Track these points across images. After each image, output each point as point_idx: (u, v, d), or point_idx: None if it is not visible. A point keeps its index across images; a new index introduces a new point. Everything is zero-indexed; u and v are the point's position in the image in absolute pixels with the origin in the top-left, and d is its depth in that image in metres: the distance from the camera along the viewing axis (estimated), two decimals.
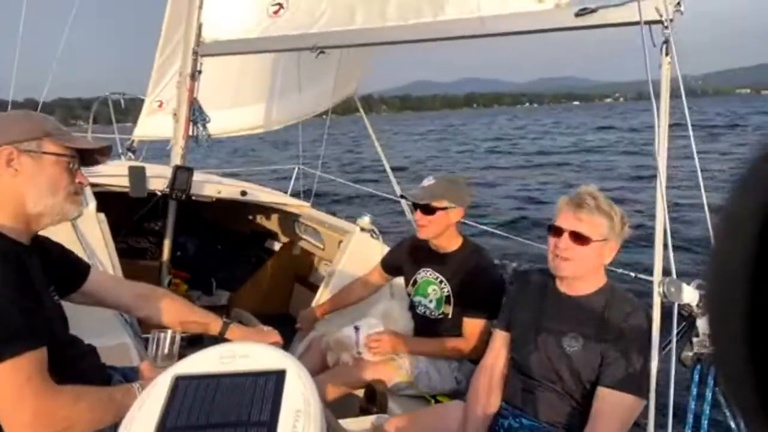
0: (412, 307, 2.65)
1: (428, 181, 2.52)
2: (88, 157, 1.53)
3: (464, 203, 2.49)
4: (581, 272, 1.85)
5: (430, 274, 2.56)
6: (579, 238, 1.79)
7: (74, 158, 1.45)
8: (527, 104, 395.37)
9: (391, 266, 2.81)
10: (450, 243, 2.54)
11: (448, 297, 2.50)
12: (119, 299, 1.79)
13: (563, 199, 1.88)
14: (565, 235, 1.81)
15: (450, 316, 2.50)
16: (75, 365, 1.47)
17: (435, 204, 2.44)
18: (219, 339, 1.84)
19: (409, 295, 2.69)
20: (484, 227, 4.10)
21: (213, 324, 1.84)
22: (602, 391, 1.74)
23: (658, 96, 1.70)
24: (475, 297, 2.43)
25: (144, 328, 2.50)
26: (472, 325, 2.42)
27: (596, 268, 1.86)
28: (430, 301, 2.55)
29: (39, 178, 1.38)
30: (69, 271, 1.66)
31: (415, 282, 2.63)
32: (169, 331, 1.60)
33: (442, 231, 2.50)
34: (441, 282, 2.52)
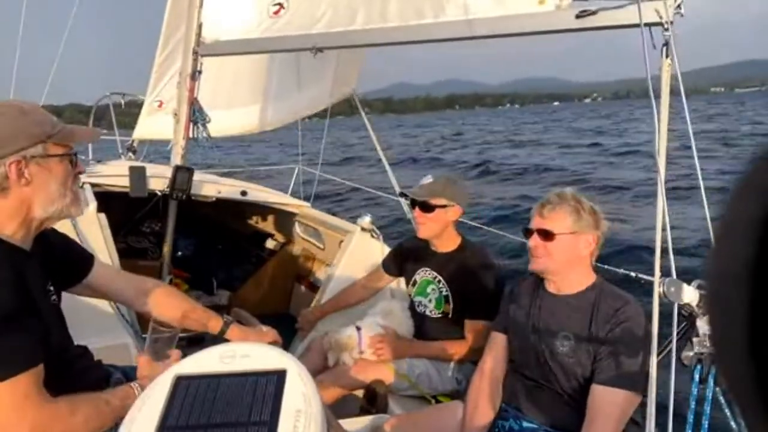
0: (413, 306, 2.66)
1: (427, 179, 2.53)
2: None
3: (462, 202, 2.50)
4: (555, 266, 1.89)
5: (429, 274, 2.57)
6: (545, 235, 1.87)
7: (74, 152, 1.43)
8: (508, 105, 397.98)
9: (391, 267, 2.82)
10: (449, 243, 2.55)
11: (447, 297, 2.51)
12: (122, 293, 1.78)
13: None
14: (534, 235, 1.90)
15: (450, 315, 2.50)
16: (71, 368, 1.46)
17: (433, 201, 2.45)
18: (219, 338, 1.84)
19: (409, 295, 2.69)
20: (486, 227, 4.10)
21: (213, 323, 1.83)
22: (596, 389, 1.74)
23: (657, 96, 1.70)
24: (474, 298, 2.44)
25: (144, 325, 2.51)
26: (474, 327, 2.43)
27: (575, 262, 1.89)
28: (430, 301, 2.56)
29: (49, 184, 1.36)
30: (72, 262, 1.66)
31: (415, 282, 2.64)
32: (167, 321, 1.60)
33: (441, 230, 2.51)
34: (439, 282, 2.53)
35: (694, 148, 1.72)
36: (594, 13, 1.98)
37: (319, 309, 2.98)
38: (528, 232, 1.93)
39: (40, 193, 1.35)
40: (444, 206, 2.46)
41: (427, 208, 2.46)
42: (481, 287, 2.44)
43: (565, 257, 1.87)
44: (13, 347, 1.22)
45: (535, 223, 1.91)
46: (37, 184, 1.34)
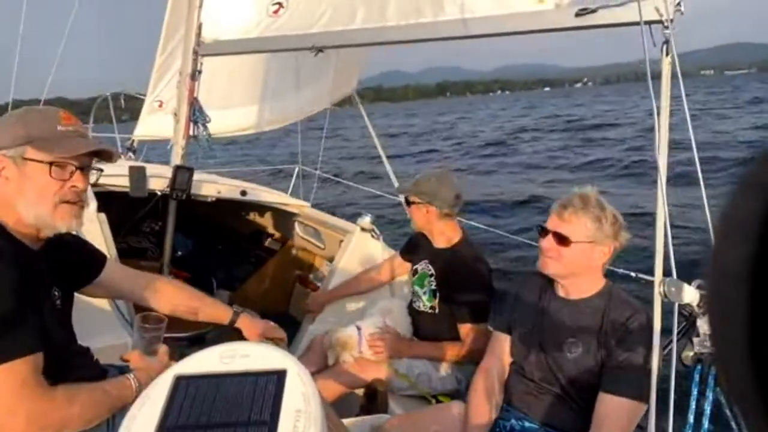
0: (411, 301, 2.69)
1: (417, 175, 2.62)
2: (96, 156, 1.48)
3: (437, 203, 2.50)
4: (565, 272, 1.86)
5: (427, 267, 2.62)
6: (561, 239, 1.81)
7: (63, 165, 1.39)
8: (499, 92, 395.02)
9: (406, 254, 2.87)
10: (442, 239, 2.59)
11: (435, 291, 2.53)
12: (133, 291, 1.80)
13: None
14: (549, 236, 1.83)
15: (437, 311, 2.53)
16: (71, 370, 1.47)
17: (409, 197, 2.56)
18: (226, 333, 1.85)
19: (412, 284, 2.72)
20: (490, 227, 4.10)
21: (223, 313, 1.87)
22: (604, 397, 1.73)
23: (656, 90, 1.69)
24: (459, 297, 2.46)
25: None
26: (467, 330, 2.44)
27: (587, 270, 1.86)
28: (424, 293, 2.61)
29: (25, 187, 1.35)
30: (85, 261, 1.68)
31: (416, 272, 2.69)
32: (153, 315, 1.62)
33: (425, 225, 2.58)
34: (432, 276, 2.57)
35: (693, 144, 1.71)
36: (594, 11, 1.97)
37: (331, 292, 3.00)
38: (543, 231, 1.87)
39: (19, 195, 1.35)
40: (415, 203, 2.54)
41: (406, 202, 2.60)
42: (467, 288, 2.45)
43: (577, 265, 1.83)
44: (12, 333, 1.23)
45: (552, 223, 1.84)
46: (15, 185, 1.35)
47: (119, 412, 1.37)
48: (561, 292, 1.92)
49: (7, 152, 1.35)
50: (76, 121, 1.46)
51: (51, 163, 1.37)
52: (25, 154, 1.35)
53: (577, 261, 1.82)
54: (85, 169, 1.45)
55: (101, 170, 1.55)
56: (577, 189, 1.88)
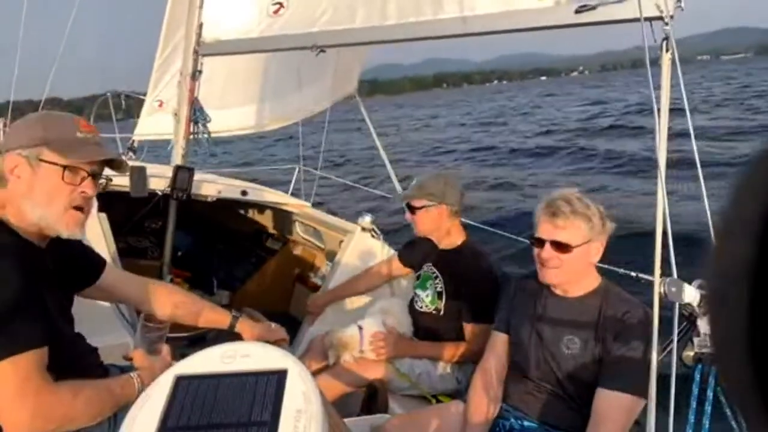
0: (412, 301, 2.68)
1: (416, 180, 2.57)
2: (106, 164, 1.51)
3: (449, 202, 2.49)
4: (569, 278, 1.86)
5: (430, 269, 2.61)
6: (560, 247, 1.80)
7: (76, 170, 1.41)
8: (496, 82, 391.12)
9: (405, 257, 2.86)
10: (449, 240, 2.57)
11: (440, 293, 2.53)
12: (131, 294, 1.82)
13: (539, 207, 1.88)
14: (547, 246, 1.82)
15: (442, 312, 2.52)
16: (76, 365, 1.47)
17: (414, 203, 2.50)
18: (227, 333, 1.85)
19: (414, 287, 2.72)
20: (488, 228, 4.09)
21: (222, 318, 1.87)
22: (602, 392, 1.74)
23: (653, 84, 1.69)
24: (466, 298, 2.45)
25: None
26: (472, 330, 2.44)
27: (586, 269, 1.86)
28: (427, 296, 2.60)
29: (35, 187, 1.37)
30: (86, 265, 1.69)
31: (419, 276, 2.67)
32: (156, 317, 1.63)
33: (433, 228, 2.54)
34: (437, 278, 2.56)
35: (693, 141, 1.70)
36: (594, 8, 1.97)
37: (330, 293, 3.01)
38: (538, 242, 1.85)
39: (28, 195, 1.37)
40: (424, 207, 2.49)
41: (410, 209, 2.52)
42: (475, 288, 2.44)
43: (579, 267, 1.83)
44: (17, 327, 1.24)
45: (547, 232, 1.82)
46: (26, 184, 1.37)
47: (121, 411, 1.38)
48: (558, 291, 1.93)
49: (23, 152, 1.37)
50: (93, 129, 1.48)
51: (65, 167, 1.39)
52: (40, 156, 1.37)
53: (578, 264, 1.83)
54: (95, 177, 1.47)
55: (110, 179, 1.57)
56: (558, 192, 1.87)
